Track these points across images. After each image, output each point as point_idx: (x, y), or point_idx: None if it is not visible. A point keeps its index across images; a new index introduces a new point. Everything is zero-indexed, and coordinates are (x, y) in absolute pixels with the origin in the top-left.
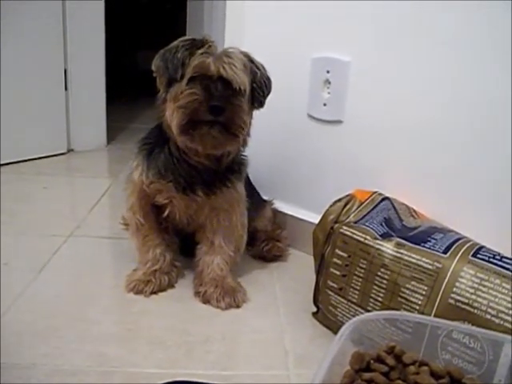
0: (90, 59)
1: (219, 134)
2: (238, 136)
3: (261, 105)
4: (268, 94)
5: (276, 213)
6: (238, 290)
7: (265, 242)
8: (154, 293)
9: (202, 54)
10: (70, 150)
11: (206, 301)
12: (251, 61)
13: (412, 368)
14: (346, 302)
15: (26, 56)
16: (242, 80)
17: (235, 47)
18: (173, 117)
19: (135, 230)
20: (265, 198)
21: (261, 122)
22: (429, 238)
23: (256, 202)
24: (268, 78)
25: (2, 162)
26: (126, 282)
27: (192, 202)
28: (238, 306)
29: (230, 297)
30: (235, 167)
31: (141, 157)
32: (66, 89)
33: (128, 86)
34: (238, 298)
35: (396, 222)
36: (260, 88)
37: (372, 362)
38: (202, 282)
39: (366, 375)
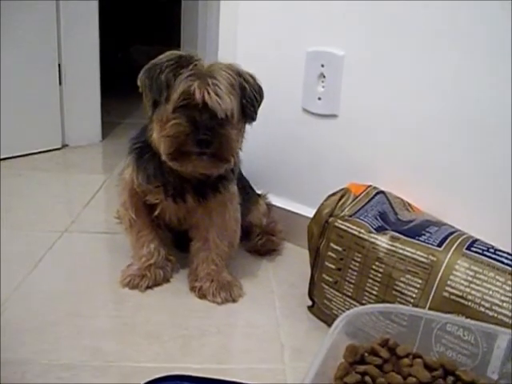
0: (84, 54)
1: (208, 162)
2: (228, 160)
3: (253, 119)
4: (260, 105)
5: (270, 207)
6: (234, 284)
7: (259, 236)
8: (150, 287)
9: (187, 76)
10: (64, 146)
11: (202, 296)
12: (239, 74)
13: (406, 360)
14: (340, 295)
15: (19, 51)
16: (227, 106)
17: (221, 63)
18: (159, 142)
19: (129, 226)
20: (259, 192)
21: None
22: (423, 232)
23: (249, 196)
24: (259, 89)
25: None
26: (120, 277)
27: (182, 206)
28: (234, 301)
29: (225, 291)
30: (226, 173)
31: (131, 157)
32: (60, 83)
33: (122, 81)
34: (234, 292)
35: (391, 216)
36: (251, 103)
37: (366, 354)
38: (198, 278)
39: (361, 368)
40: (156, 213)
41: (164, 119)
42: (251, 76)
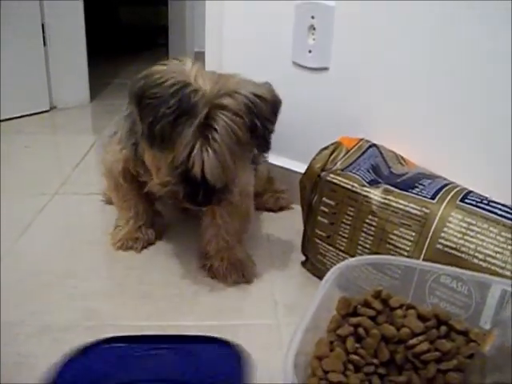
0: (68, 12)
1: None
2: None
3: (264, 151)
4: (273, 127)
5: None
6: (247, 264)
7: (268, 195)
8: (145, 247)
9: (187, 139)
10: (52, 108)
11: (212, 275)
12: (249, 108)
13: (399, 311)
14: (334, 249)
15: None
16: (227, 177)
17: (225, 90)
18: (152, 173)
19: (113, 188)
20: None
21: (245, 71)
22: (416, 184)
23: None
24: (272, 114)
25: None
26: (112, 241)
27: None
28: (247, 282)
29: (237, 271)
30: None
31: (126, 140)
32: (44, 44)
33: (110, 41)
34: (246, 272)
35: (383, 169)
36: (263, 138)
37: (359, 306)
38: (208, 255)
39: (353, 320)
40: (145, 190)
41: (158, 165)
42: (264, 99)
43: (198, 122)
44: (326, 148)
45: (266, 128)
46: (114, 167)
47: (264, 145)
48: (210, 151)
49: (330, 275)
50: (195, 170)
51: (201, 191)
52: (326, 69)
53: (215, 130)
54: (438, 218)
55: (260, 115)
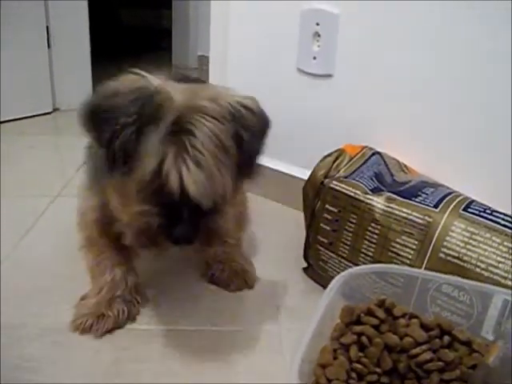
0: (72, 15)
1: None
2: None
3: (252, 174)
4: (261, 148)
5: None
6: (248, 269)
7: None
8: (108, 331)
9: (158, 142)
10: (55, 109)
11: (214, 283)
12: (233, 116)
13: (402, 321)
14: (336, 256)
15: (5, 13)
16: (215, 191)
17: (203, 95)
18: (121, 218)
19: (87, 242)
20: None
21: (249, 77)
22: (419, 193)
23: None
24: (260, 128)
25: None
26: (73, 316)
27: None
28: (250, 287)
29: (239, 278)
30: None
31: (96, 183)
32: (48, 46)
33: (112, 44)
34: (248, 278)
35: (387, 177)
36: (249, 156)
37: (362, 315)
38: (209, 265)
39: (357, 328)
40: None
41: (125, 193)
42: (251, 110)
43: (168, 126)
44: (329, 155)
45: (253, 145)
46: (88, 217)
47: (250, 166)
48: (189, 161)
49: (335, 283)
50: (171, 186)
51: (183, 217)
52: (330, 75)
53: (193, 135)
54: (440, 226)
55: (246, 126)
